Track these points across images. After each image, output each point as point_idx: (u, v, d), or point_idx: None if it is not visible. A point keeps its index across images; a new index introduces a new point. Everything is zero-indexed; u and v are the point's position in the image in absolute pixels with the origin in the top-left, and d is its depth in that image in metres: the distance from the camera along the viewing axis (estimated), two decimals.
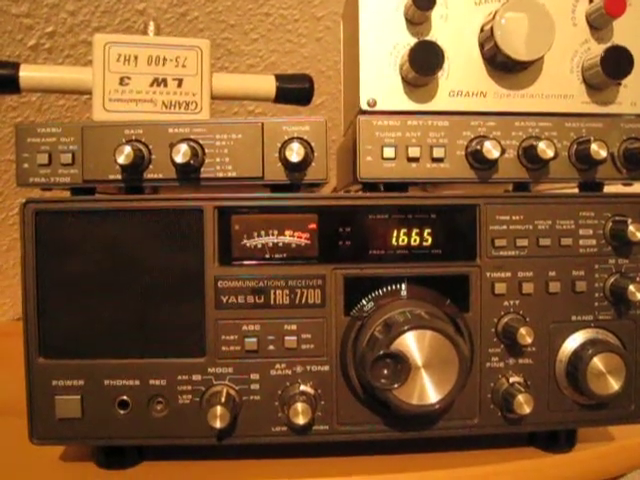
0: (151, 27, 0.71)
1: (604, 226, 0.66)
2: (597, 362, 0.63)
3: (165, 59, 0.69)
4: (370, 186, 0.67)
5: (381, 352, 0.58)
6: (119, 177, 0.63)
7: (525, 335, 0.62)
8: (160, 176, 0.63)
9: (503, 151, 0.62)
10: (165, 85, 0.69)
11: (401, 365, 0.58)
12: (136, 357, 0.63)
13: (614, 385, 0.63)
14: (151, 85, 0.69)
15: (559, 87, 0.66)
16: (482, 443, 0.68)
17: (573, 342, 0.66)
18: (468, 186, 0.70)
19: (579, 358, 0.64)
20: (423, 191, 0.75)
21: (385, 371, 0.59)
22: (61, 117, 1.12)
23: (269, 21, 1.12)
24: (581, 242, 0.66)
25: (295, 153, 0.61)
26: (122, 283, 0.63)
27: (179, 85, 0.69)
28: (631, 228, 0.64)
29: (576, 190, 0.69)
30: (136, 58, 0.68)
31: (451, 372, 0.60)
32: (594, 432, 0.73)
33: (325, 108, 1.15)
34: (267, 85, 0.75)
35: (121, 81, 0.68)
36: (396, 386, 0.58)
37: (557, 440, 0.69)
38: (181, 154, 0.60)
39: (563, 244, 0.65)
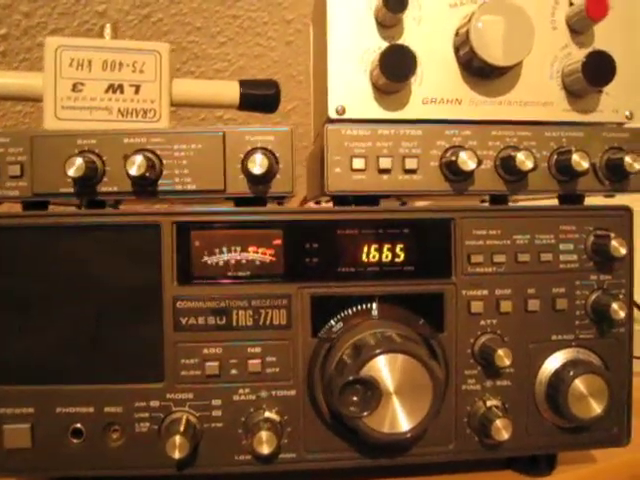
0: (107, 30, 0.66)
1: (585, 240, 0.63)
2: (579, 384, 0.60)
3: (121, 64, 0.65)
4: (340, 199, 0.63)
5: (350, 378, 0.55)
6: (71, 190, 0.59)
7: (503, 357, 0.59)
8: (115, 189, 0.59)
9: (480, 162, 0.59)
10: (121, 92, 0.65)
11: (371, 391, 0.55)
12: (90, 382, 0.59)
13: (596, 408, 0.60)
14: (106, 92, 0.65)
15: (538, 94, 0.63)
16: (458, 467, 0.65)
17: (553, 362, 0.63)
18: (442, 198, 0.66)
19: (560, 380, 0.61)
20: (397, 203, 0.72)
21: (354, 397, 0.55)
22: (18, 124, 1.07)
23: (237, 24, 1.08)
24: (562, 257, 0.62)
25: (258, 165, 0.57)
26: (74, 303, 0.59)
27: (136, 92, 0.65)
28: (614, 243, 0.61)
29: (556, 202, 0.66)
30: (90, 63, 0.64)
31: (424, 398, 0.56)
32: (575, 454, 0.69)
33: (296, 114, 1.11)
34: (231, 91, 0.71)
35: (74, 87, 0.64)
36: (366, 414, 0.55)
37: (537, 463, 0.66)
38: (136, 166, 0.56)
39: (543, 259, 0.62)
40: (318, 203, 0.79)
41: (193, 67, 1.09)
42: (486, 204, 0.68)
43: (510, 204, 0.66)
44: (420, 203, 0.85)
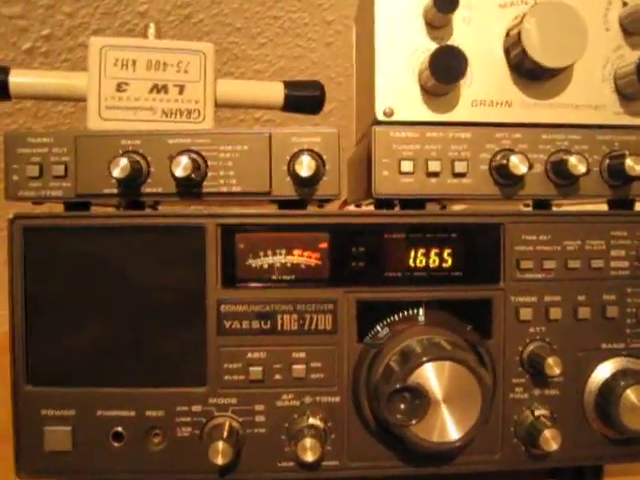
0: (151, 29, 0.66)
1: (637, 247, 0.61)
2: (630, 394, 0.58)
3: (166, 64, 0.64)
4: (384, 202, 0.62)
5: (398, 386, 0.53)
6: (115, 191, 0.59)
7: (553, 365, 0.57)
8: (159, 190, 0.59)
9: (531, 166, 0.58)
10: (166, 92, 0.64)
11: (419, 399, 0.53)
12: (132, 386, 0.58)
13: None
14: (150, 92, 0.64)
15: (590, 97, 0.62)
16: (503, 476, 0.63)
17: (603, 372, 0.61)
18: (491, 203, 0.65)
19: (610, 389, 0.59)
20: (438, 206, 0.70)
21: (402, 405, 0.54)
22: (59, 124, 1.07)
23: (277, 25, 1.07)
24: (612, 264, 0.61)
25: (305, 167, 0.56)
26: (118, 306, 0.58)
27: (181, 92, 0.64)
28: None
29: (604, 207, 0.65)
30: (134, 63, 0.64)
31: (473, 406, 0.55)
32: (622, 466, 0.67)
33: (334, 115, 1.10)
34: (275, 92, 0.70)
35: (118, 87, 0.63)
36: (414, 422, 0.54)
37: (583, 474, 0.65)
38: (181, 167, 0.56)
39: (593, 266, 0.60)
40: (358, 206, 0.78)
41: (233, 68, 1.08)
42: (529, 209, 0.66)
43: (554, 209, 0.65)
44: (457, 207, 0.84)
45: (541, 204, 0.64)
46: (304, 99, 0.71)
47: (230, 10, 1.04)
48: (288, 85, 0.70)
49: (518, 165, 0.57)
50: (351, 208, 0.81)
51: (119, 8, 0.99)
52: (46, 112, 1.05)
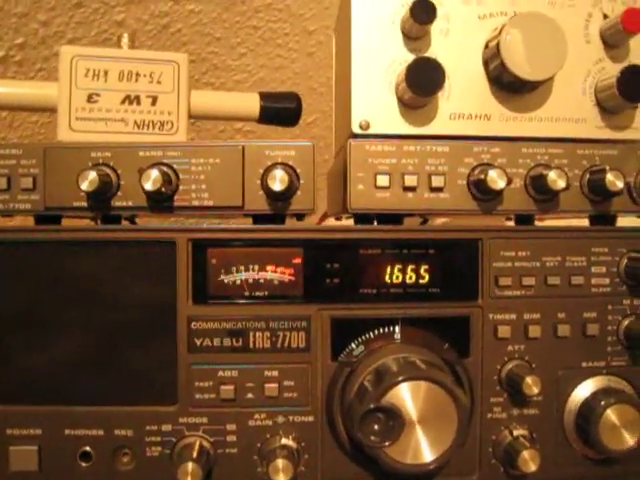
0: (125, 39, 0.64)
1: (618, 263, 0.60)
2: (611, 414, 0.57)
3: (138, 74, 0.63)
4: (362, 217, 0.61)
5: (371, 406, 0.52)
6: (84, 204, 0.57)
7: (532, 385, 0.56)
8: (130, 204, 0.57)
9: (509, 181, 0.57)
10: (138, 103, 0.63)
11: (394, 420, 0.52)
12: (100, 404, 0.57)
13: (629, 440, 0.57)
14: (122, 103, 0.63)
15: (570, 110, 0.61)
16: None
17: (583, 391, 0.60)
18: (469, 218, 0.63)
19: (590, 409, 0.58)
20: (418, 220, 0.69)
21: (376, 426, 0.52)
22: (34, 134, 1.05)
23: (258, 35, 1.06)
24: (593, 281, 0.60)
25: (278, 181, 0.55)
26: (86, 322, 0.57)
27: (153, 103, 0.63)
28: None
29: (585, 222, 0.63)
30: (106, 73, 0.62)
31: (449, 428, 0.53)
32: None
33: (317, 127, 1.09)
34: (251, 104, 0.69)
35: (89, 98, 0.62)
36: (388, 444, 0.52)
37: None
38: (151, 181, 0.54)
39: (573, 283, 0.59)
40: (339, 219, 0.77)
41: (213, 78, 1.07)
42: (511, 223, 0.65)
43: (536, 223, 0.64)
44: (439, 221, 0.83)
45: (523, 219, 0.63)
46: (280, 111, 0.69)
47: (209, 20, 1.02)
48: (264, 97, 0.69)
49: (496, 180, 0.56)
50: (331, 221, 0.79)
51: (95, 17, 0.97)
52: (21, 122, 1.03)
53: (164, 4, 0.98)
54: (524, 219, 0.62)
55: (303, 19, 1.05)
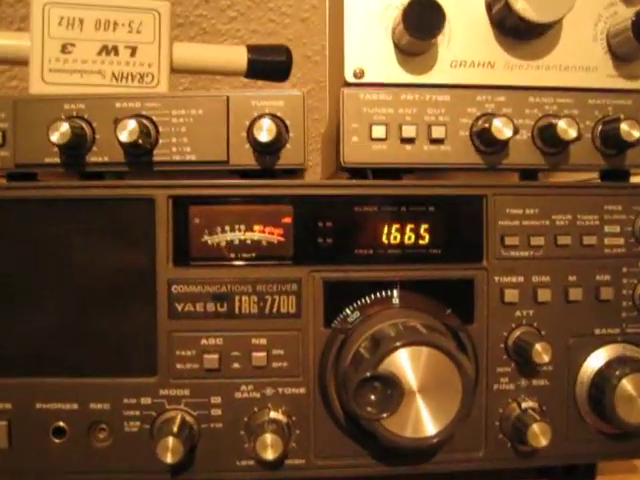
0: None
1: (634, 222, 0.56)
2: (626, 384, 0.53)
3: (116, 23, 0.58)
4: (357, 173, 0.57)
5: (367, 374, 0.48)
6: (57, 160, 0.53)
7: (542, 352, 0.52)
8: (105, 159, 0.53)
9: (516, 130, 0.52)
10: (116, 54, 0.58)
11: (392, 389, 0.48)
12: (74, 376, 0.53)
13: None
14: (99, 54, 0.58)
15: (580, 57, 0.57)
16: (486, 476, 0.58)
17: (597, 360, 0.56)
18: (470, 174, 0.59)
19: (604, 379, 0.54)
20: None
21: (372, 396, 0.48)
22: None
23: None
24: (606, 241, 0.56)
25: (265, 131, 0.51)
26: (58, 287, 0.53)
27: (132, 54, 0.58)
28: None
29: (597, 179, 0.59)
30: (82, 22, 0.58)
31: (453, 398, 0.49)
32: (617, 463, 0.62)
33: (312, 97, 1.03)
34: (238, 57, 0.64)
35: (63, 49, 0.58)
36: (385, 415, 0.48)
37: (574, 472, 0.59)
38: (127, 131, 0.50)
39: (585, 243, 0.55)
40: None
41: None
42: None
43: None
44: None
45: (528, 176, 0.58)
46: (269, 64, 0.65)
47: None
48: (252, 49, 0.65)
49: (502, 129, 0.52)
50: None
51: None
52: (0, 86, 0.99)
53: None
54: (529, 176, 0.58)
55: None
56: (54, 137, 0.50)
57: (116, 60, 0.58)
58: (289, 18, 1.02)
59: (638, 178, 0.59)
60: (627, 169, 0.57)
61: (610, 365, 0.55)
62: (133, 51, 0.59)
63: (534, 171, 0.57)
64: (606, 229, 0.56)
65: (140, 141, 0.51)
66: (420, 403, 0.49)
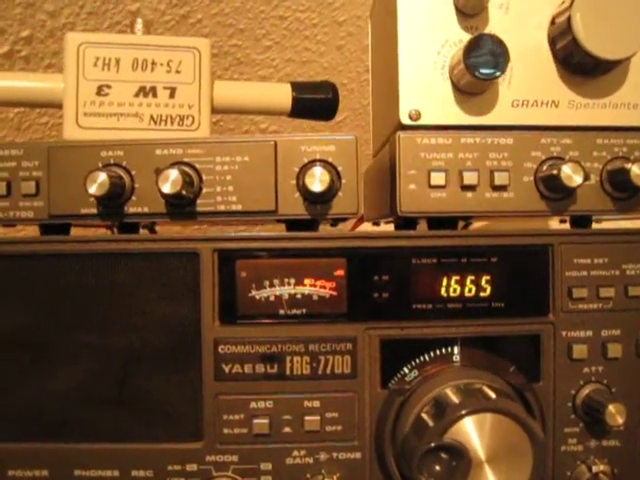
0: (139, 25, 0.57)
1: None
2: None
3: (154, 63, 0.55)
4: (410, 222, 0.53)
5: (432, 444, 0.44)
6: (94, 211, 0.51)
7: (615, 414, 0.49)
8: (145, 210, 0.50)
9: (587, 176, 0.49)
10: (154, 95, 0.55)
11: (458, 460, 0.44)
12: (115, 441, 0.50)
13: None
14: (136, 95, 0.55)
15: None
16: None
17: None
18: (534, 220, 0.56)
19: None
20: (465, 227, 0.62)
21: (437, 467, 0.45)
22: (44, 137, 0.98)
23: (284, 26, 0.98)
24: None
25: (318, 180, 0.48)
26: (98, 345, 0.50)
27: (171, 95, 0.55)
28: None
29: None
30: (118, 62, 0.55)
31: (523, 466, 0.46)
32: None
33: (347, 126, 1.01)
34: (282, 95, 0.61)
35: (99, 91, 0.55)
36: None
37: None
38: (170, 182, 0.47)
39: None
40: (376, 224, 0.69)
41: (236, 74, 0.99)
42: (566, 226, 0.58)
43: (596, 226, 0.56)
44: (477, 224, 0.74)
45: (581, 221, 0.55)
46: (315, 102, 0.62)
47: (231, 9, 0.94)
48: (296, 87, 0.61)
49: (571, 176, 0.48)
50: (367, 227, 0.72)
51: (107, 6, 0.90)
52: (30, 124, 0.96)
53: None
54: (582, 222, 0.55)
55: (332, 8, 0.97)
56: (92, 189, 0.48)
57: (154, 102, 0.55)
58: (325, 46, 0.99)
59: None
60: None
61: None
62: (172, 92, 0.55)
63: (586, 217, 0.53)
64: None
65: (184, 192, 0.48)
66: (489, 473, 0.45)
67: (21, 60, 0.90)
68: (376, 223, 0.68)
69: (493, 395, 0.47)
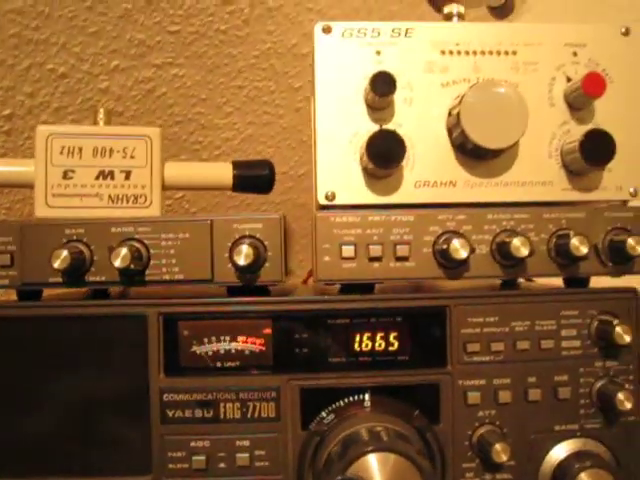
0: (101, 115, 0.66)
1: (589, 325, 0.60)
2: (585, 478, 0.56)
3: (112, 150, 0.64)
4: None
5: (338, 478, 0.52)
6: (60, 280, 0.59)
7: (500, 452, 0.56)
8: (103, 279, 0.59)
9: (472, 250, 0.57)
10: (112, 178, 0.64)
11: None
12: (75, 476, 0.58)
13: None
14: (97, 178, 0.64)
15: (537, 173, 0.61)
16: None
17: (558, 454, 0.59)
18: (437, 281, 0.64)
19: (564, 472, 0.58)
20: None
21: None
22: (25, 198, 1.02)
23: (243, 94, 1.07)
24: (564, 344, 0.60)
25: (243, 256, 0.56)
26: (59, 395, 0.58)
27: (127, 177, 0.64)
28: (618, 329, 0.58)
29: (559, 282, 0.63)
30: (81, 150, 0.64)
31: None
32: None
33: (309, 178, 1.09)
34: (223, 174, 0.70)
35: (65, 175, 0.64)
36: None
37: None
38: (120, 258, 0.56)
39: (543, 347, 0.59)
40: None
41: (200, 137, 1.08)
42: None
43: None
44: None
45: (507, 281, 0.63)
46: (253, 179, 0.70)
47: (193, 82, 1.04)
48: (237, 165, 0.70)
49: (459, 250, 0.56)
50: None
51: (80, 86, 0.99)
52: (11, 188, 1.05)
53: (147, 70, 1.00)
54: (507, 281, 0.63)
55: (288, 77, 1.06)
56: (56, 264, 0.56)
57: (112, 184, 0.64)
58: (283, 109, 1.07)
59: (598, 281, 0.63)
60: (586, 277, 0.61)
61: (569, 459, 0.58)
62: (127, 174, 0.64)
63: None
64: (563, 333, 0.59)
65: (132, 266, 0.56)
66: None
67: (3, 134, 1.00)
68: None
69: (387, 438, 0.55)
